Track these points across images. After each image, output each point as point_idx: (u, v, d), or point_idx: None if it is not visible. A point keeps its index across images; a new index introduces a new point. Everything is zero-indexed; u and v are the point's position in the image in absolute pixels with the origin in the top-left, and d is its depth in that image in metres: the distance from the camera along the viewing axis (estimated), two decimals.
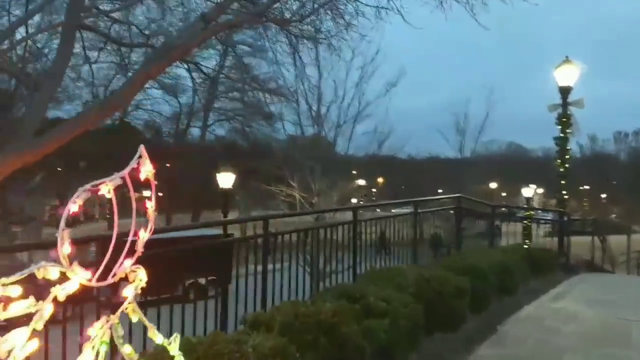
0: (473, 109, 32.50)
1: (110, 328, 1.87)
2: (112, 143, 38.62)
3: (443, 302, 5.69)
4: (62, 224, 1.63)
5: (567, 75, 12.19)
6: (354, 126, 16.52)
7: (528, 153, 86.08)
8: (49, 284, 1.61)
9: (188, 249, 4.69)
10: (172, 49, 7.97)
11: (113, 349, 2.00)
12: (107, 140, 40.19)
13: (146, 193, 2.09)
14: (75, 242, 1.65)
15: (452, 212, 9.80)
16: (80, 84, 38.43)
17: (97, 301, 3.58)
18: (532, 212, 13.24)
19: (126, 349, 1.96)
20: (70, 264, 1.63)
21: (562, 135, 12.45)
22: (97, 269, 1.80)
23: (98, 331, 1.82)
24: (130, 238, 1.89)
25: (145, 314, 2.05)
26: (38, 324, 1.57)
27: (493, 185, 50.84)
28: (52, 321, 1.69)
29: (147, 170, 1.92)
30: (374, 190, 50.93)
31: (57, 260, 1.60)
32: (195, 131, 44.37)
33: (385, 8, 10.22)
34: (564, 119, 12.32)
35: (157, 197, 2.20)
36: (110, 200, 1.90)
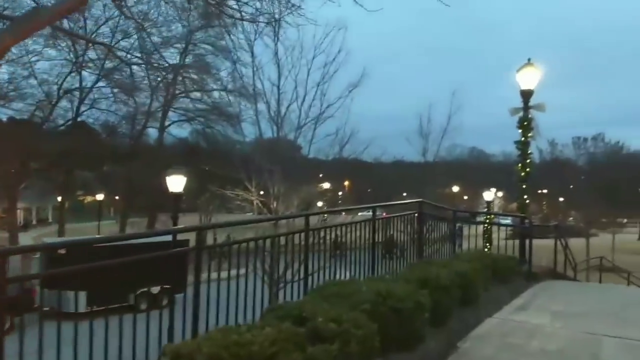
0: (437, 114, 32.62)
1: None
2: (68, 143, 37.20)
3: (401, 320, 5.20)
4: None
5: (529, 78, 11.98)
6: (315, 128, 15.95)
7: (489, 157, 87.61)
8: None
9: (134, 257, 4.34)
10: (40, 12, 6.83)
11: None
12: (62, 141, 38.68)
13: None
14: None
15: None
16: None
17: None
18: (492, 217, 12.98)
19: None
20: None
21: (523, 139, 12.23)
22: None
23: None
24: None
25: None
26: None
27: (455, 188, 51.24)
28: None
29: None
30: (340, 193, 50.63)
31: None
32: (154, 132, 43.14)
33: None
34: (525, 123, 12.11)
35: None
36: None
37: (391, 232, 8.08)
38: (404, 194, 56.96)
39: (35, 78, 37.09)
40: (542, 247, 11.48)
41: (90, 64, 38.09)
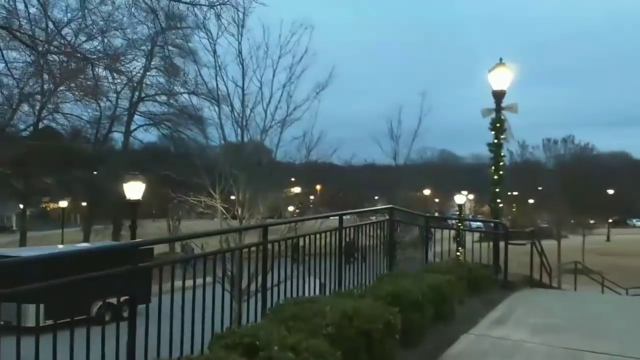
0: (407, 116, 32.48)
1: None
2: (32, 147, 35.79)
3: (369, 343, 4.67)
4: None
5: (501, 78, 11.62)
6: (282, 131, 15.33)
7: (459, 160, 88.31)
8: None
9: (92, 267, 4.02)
10: None
11: None
12: (27, 145, 37.22)
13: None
14: None
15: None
16: None
17: None
18: (464, 223, 12.59)
19: None
20: None
21: (496, 141, 11.86)
22: None
23: None
24: None
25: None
26: None
27: (427, 191, 51.21)
28: None
29: None
30: (312, 197, 50.01)
31: None
32: (119, 136, 41.94)
33: None
34: (498, 124, 11.74)
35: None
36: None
37: (351, 237, 7.54)
38: (376, 197, 56.83)
39: None
40: (514, 250, 11.07)
41: (53, 67, 36.84)
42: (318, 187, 54.62)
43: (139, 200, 13.76)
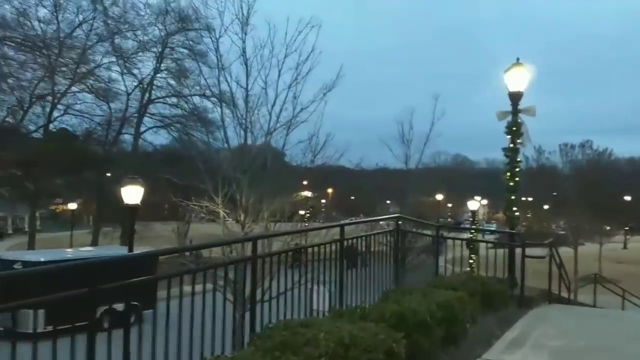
0: (419, 120, 31.83)
1: None
2: (43, 148, 35.69)
3: None
4: None
5: (518, 79, 10.98)
6: (288, 133, 14.79)
7: (473, 165, 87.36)
8: None
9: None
10: None
11: None
12: (36, 147, 37.14)
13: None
14: None
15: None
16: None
17: None
18: (478, 232, 11.94)
19: None
20: None
21: (512, 145, 11.21)
22: None
23: None
24: None
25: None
26: None
27: (439, 196, 50.38)
28: None
29: None
30: (323, 201, 49.38)
31: None
32: (130, 138, 41.73)
33: None
34: (514, 128, 11.10)
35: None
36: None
37: (356, 246, 7.00)
38: (388, 202, 56.06)
39: (7, 83, 35.67)
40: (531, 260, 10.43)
41: (64, 68, 36.76)
42: (330, 190, 54.07)
43: (137, 205, 13.29)
